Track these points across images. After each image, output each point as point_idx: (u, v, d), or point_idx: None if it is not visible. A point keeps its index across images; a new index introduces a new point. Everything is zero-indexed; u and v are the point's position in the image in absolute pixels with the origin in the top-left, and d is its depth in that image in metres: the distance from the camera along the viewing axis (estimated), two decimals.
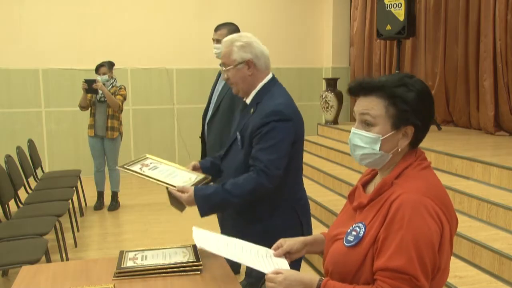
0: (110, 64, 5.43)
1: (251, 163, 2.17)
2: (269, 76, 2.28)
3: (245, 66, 2.22)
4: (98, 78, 5.25)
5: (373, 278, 1.37)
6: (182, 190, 2.19)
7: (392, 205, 1.36)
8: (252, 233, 1.94)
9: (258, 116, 2.18)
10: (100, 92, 5.24)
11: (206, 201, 2.16)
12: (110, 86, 5.37)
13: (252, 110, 2.24)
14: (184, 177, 2.34)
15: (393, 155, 1.47)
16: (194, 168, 2.43)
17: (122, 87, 5.46)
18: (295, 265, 1.73)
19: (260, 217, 2.26)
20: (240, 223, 2.30)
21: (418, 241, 1.30)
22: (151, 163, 2.43)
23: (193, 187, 2.18)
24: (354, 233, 1.44)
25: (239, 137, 2.27)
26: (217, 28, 3.49)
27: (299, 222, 2.32)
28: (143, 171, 2.34)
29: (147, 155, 2.51)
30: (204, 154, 3.65)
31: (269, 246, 1.80)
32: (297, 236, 2.04)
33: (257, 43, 2.25)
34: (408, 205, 1.33)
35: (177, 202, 2.31)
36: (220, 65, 2.42)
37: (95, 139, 5.46)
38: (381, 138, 1.43)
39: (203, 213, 2.20)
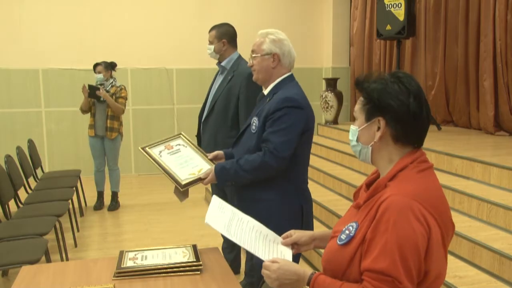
0: (108, 65, 5.43)
1: (262, 145, 2.34)
2: (289, 74, 2.49)
3: (271, 58, 2.43)
4: (95, 76, 5.36)
5: (361, 277, 1.39)
6: (205, 176, 2.44)
7: (380, 206, 1.37)
8: (255, 213, 1.98)
9: (273, 102, 2.36)
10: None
11: (223, 173, 2.40)
12: (110, 86, 5.39)
13: (268, 99, 2.43)
14: (194, 169, 2.50)
15: (382, 152, 1.49)
16: (217, 158, 2.60)
17: (122, 87, 5.46)
18: (294, 258, 1.74)
19: (265, 198, 2.37)
20: (246, 204, 2.36)
21: (402, 244, 1.31)
22: (176, 145, 2.59)
23: (213, 167, 2.43)
24: (347, 231, 1.46)
25: (256, 121, 2.42)
26: (210, 30, 3.54)
27: (300, 210, 2.41)
28: (160, 155, 2.52)
29: (182, 134, 2.66)
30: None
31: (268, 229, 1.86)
32: (296, 223, 2.06)
33: (288, 43, 2.48)
34: (395, 208, 1.34)
35: (179, 191, 2.49)
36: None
37: (95, 139, 5.46)
38: (358, 130, 1.51)
39: (221, 182, 2.46)
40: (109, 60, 5.52)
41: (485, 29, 5.36)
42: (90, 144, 5.53)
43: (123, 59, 6.88)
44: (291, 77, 2.48)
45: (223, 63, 3.47)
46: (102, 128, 5.41)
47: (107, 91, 5.31)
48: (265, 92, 2.49)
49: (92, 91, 5.23)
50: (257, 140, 2.39)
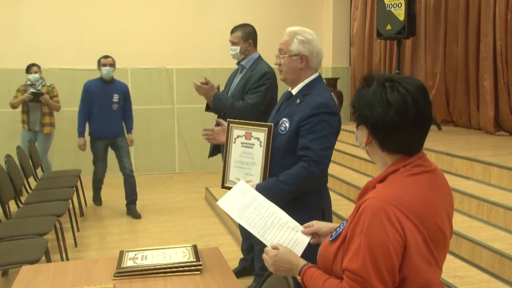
0: (38, 66, 6.02)
1: (302, 154, 2.31)
2: (317, 74, 2.46)
3: (299, 59, 2.39)
4: (30, 76, 5.93)
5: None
6: None
7: (360, 208, 1.38)
8: None
9: (307, 107, 2.33)
10: (35, 90, 5.86)
11: (267, 193, 2.10)
12: (40, 86, 5.95)
13: (298, 101, 2.39)
14: (245, 177, 2.50)
15: (375, 155, 1.49)
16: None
17: (54, 86, 6.08)
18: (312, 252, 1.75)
19: (289, 206, 2.21)
20: None
21: (373, 247, 1.31)
22: (255, 139, 2.51)
23: (255, 186, 2.33)
24: (338, 229, 1.49)
25: (286, 123, 2.38)
26: (232, 30, 3.55)
27: (321, 212, 2.41)
28: (235, 141, 2.55)
29: (270, 128, 2.47)
30: (216, 149, 3.67)
31: None
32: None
33: (317, 43, 2.44)
34: (370, 210, 1.34)
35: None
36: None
37: (29, 132, 5.98)
38: (355, 129, 1.54)
39: None
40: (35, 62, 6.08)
41: (485, 29, 5.36)
42: (22, 136, 6.04)
43: (123, 59, 6.88)
44: (319, 78, 2.46)
45: (243, 63, 3.51)
46: (36, 124, 5.98)
47: (39, 91, 5.88)
48: (293, 91, 2.45)
49: (36, 97, 5.83)
50: (287, 141, 2.36)
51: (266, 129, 2.45)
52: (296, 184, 2.30)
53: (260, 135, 2.47)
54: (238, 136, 2.54)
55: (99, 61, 5.31)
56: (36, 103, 5.88)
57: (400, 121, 1.38)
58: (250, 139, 2.49)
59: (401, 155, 1.44)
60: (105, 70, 5.24)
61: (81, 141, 5.34)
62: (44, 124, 5.98)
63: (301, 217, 1.88)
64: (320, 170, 2.29)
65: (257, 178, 2.46)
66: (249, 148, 2.50)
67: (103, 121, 5.30)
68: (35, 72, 5.92)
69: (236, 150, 2.55)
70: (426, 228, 1.36)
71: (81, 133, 5.35)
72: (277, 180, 2.33)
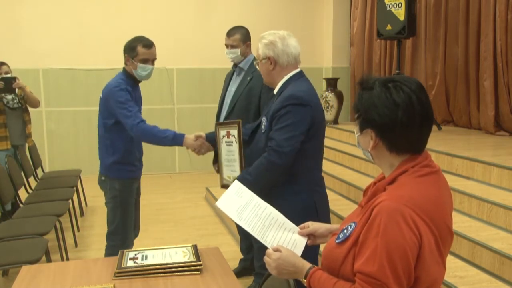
0: (8, 65, 5.01)
1: (268, 144, 2.36)
2: (295, 71, 2.47)
3: (268, 61, 2.45)
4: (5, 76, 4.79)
5: (354, 278, 1.40)
6: None
7: (373, 210, 1.38)
8: None
9: (278, 101, 2.39)
10: (10, 97, 4.78)
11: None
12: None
13: (276, 98, 2.45)
14: (232, 173, 2.60)
15: (381, 158, 1.48)
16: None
17: (25, 84, 4.94)
18: (311, 254, 1.74)
19: (277, 197, 2.24)
20: None
21: (391, 250, 1.31)
22: (232, 136, 2.63)
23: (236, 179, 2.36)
24: (345, 231, 1.48)
25: (264, 121, 2.45)
26: (229, 34, 3.51)
27: (314, 210, 2.39)
28: (222, 141, 2.65)
29: (240, 124, 2.60)
30: (216, 155, 3.66)
31: None
32: (311, 221, 2.07)
33: (282, 43, 2.42)
34: (385, 213, 1.34)
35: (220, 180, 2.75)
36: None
37: (9, 151, 4.71)
38: (356, 136, 1.53)
39: None
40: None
41: (486, 29, 5.36)
42: (1, 158, 4.54)
43: (123, 59, 6.88)
44: (298, 75, 2.47)
45: (240, 65, 3.49)
46: (20, 137, 4.91)
47: (9, 76, 4.76)
48: (274, 91, 2.51)
49: (7, 85, 4.59)
50: (265, 139, 2.41)
51: (236, 125, 2.60)
52: (258, 175, 2.33)
53: (234, 132, 2.61)
54: (223, 136, 2.67)
55: (134, 49, 3.14)
56: (7, 93, 4.68)
57: (408, 120, 1.40)
58: (229, 138, 2.63)
59: (409, 154, 1.45)
60: (147, 69, 3.25)
61: (191, 139, 2.92)
62: (28, 135, 4.96)
63: (292, 212, 1.88)
64: (280, 159, 2.30)
65: (238, 174, 2.53)
66: (230, 146, 2.64)
67: (136, 150, 3.28)
68: (6, 73, 4.81)
69: (223, 149, 2.70)
70: (438, 228, 1.38)
71: (175, 135, 2.96)
72: (245, 172, 2.40)
